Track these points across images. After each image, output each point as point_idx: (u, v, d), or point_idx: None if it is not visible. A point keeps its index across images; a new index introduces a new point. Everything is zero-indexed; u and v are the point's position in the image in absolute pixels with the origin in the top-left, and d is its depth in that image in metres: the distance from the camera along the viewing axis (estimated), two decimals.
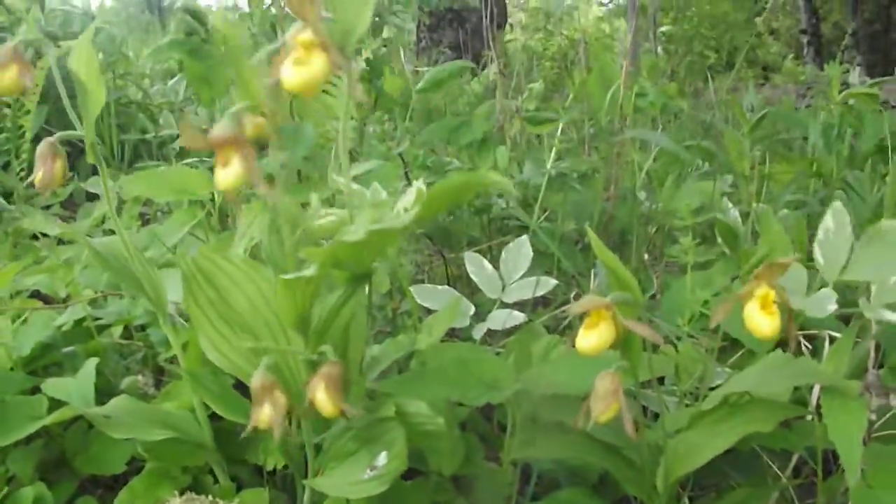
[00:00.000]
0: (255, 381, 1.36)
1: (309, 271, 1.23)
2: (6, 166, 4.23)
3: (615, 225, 2.75)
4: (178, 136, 4.96)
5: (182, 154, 4.95)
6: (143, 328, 2.18)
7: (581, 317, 1.42)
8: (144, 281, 1.66)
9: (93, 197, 4.45)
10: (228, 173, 1.22)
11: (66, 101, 1.57)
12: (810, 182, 3.51)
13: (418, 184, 1.79)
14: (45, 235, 3.88)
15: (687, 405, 2.01)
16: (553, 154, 2.59)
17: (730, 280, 2.52)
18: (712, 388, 2.08)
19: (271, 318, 1.50)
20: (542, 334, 2.11)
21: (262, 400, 1.37)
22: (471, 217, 2.91)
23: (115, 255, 1.67)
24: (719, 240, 2.89)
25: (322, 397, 1.36)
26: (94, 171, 4.91)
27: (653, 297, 2.62)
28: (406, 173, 2.59)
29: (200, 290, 1.49)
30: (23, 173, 4.10)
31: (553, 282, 2.30)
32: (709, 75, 6.42)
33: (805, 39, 21.47)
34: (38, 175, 1.51)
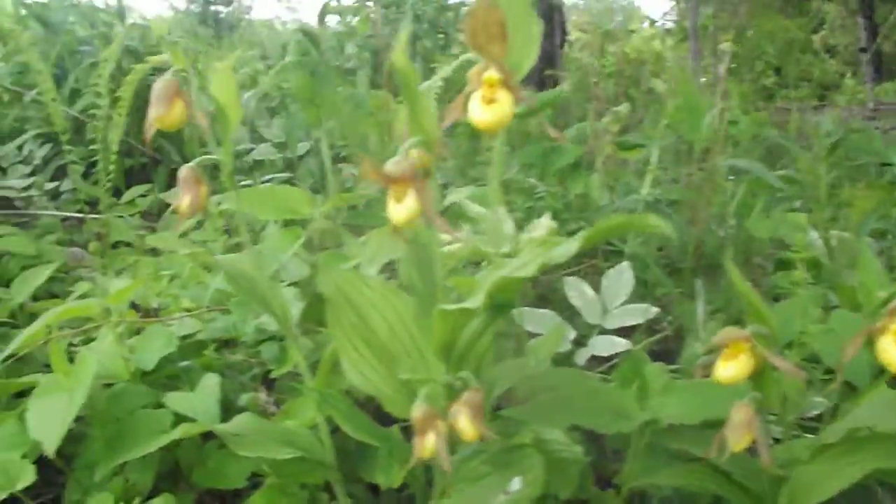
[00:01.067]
0: (418, 412, 1.38)
1: (472, 303, 1.25)
2: (86, 176, 4.32)
3: (706, 251, 2.75)
4: (251, 150, 5.03)
5: (256, 169, 5.02)
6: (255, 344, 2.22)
7: (718, 348, 1.44)
8: (272, 300, 1.70)
9: (169, 207, 4.54)
10: (403, 208, 1.25)
11: (205, 130, 1.60)
12: (893, 210, 3.46)
13: (546, 219, 1.82)
14: (127, 244, 3.97)
15: (795, 436, 2.01)
16: (648, 180, 2.60)
17: (821, 310, 2.51)
18: (813, 418, 2.09)
19: (409, 342, 1.53)
20: (647, 361, 2.13)
21: (425, 430, 1.39)
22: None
23: (243, 274, 1.71)
24: (798, 266, 2.89)
25: (464, 423, 1.39)
26: (171, 182, 5.00)
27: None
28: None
29: (343, 313, 1.53)
30: (108, 184, 4.18)
31: (655, 310, 2.32)
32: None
33: (864, 58, 21.22)
34: (184, 201, 1.53)
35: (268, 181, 4.19)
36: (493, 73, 1.28)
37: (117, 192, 4.54)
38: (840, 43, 23.26)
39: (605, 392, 1.66)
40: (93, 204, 4.22)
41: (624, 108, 3.32)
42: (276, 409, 1.94)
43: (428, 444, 1.39)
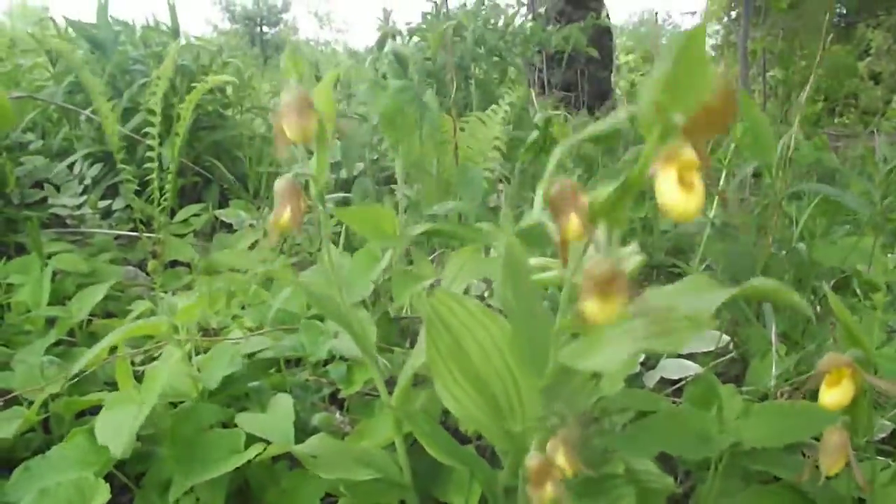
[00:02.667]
0: (534, 463, 1.34)
1: (607, 367, 1.20)
2: (138, 195, 4.35)
3: (771, 276, 2.70)
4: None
5: (308, 188, 5.02)
6: (324, 364, 2.20)
7: (821, 374, 1.43)
8: (352, 320, 1.68)
9: (225, 226, 4.56)
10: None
11: (341, 146, 1.58)
12: None
13: (636, 250, 1.80)
14: (182, 263, 3.98)
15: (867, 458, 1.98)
16: (716, 204, 2.56)
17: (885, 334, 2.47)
18: (882, 441, 2.05)
19: (502, 368, 1.50)
20: (718, 384, 2.10)
21: (542, 480, 1.34)
22: None
23: (324, 292, 1.69)
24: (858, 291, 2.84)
25: (562, 462, 1.35)
26: (224, 202, 5.02)
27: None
28: None
29: (440, 336, 1.49)
30: (165, 202, 4.20)
31: (726, 338, 2.28)
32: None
33: None
34: (284, 214, 1.47)
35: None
36: (692, 156, 1.21)
37: (171, 212, 4.57)
38: (885, 70, 23.04)
39: (685, 417, 1.62)
40: (146, 223, 4.25)
41: None
42: (350, 430, 1.91)
43: (546, 494, 1.35)
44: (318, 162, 1.56)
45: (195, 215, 4.51)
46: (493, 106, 3.75)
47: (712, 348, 2.29)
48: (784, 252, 2.76)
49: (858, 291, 2.86)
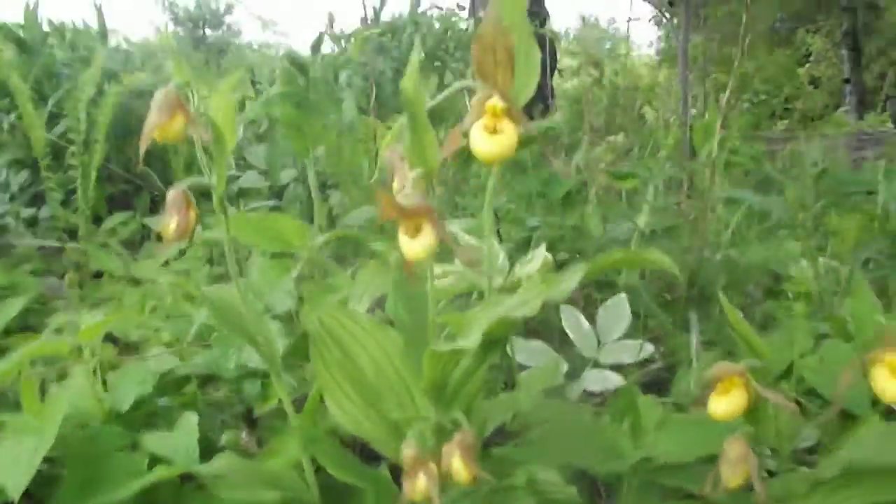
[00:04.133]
0: (408, 453, 1.32)
1: (468, 343, 1.18)
2: (66, 203, 4.24)
3: (699, 281, 2.69)
4: (237, 178, 4.95)
5: (242, 196, 4.94)
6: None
7: (712, 383, 1.40)
8: (257, 334, 1.62)
9: (151, 235, 4.45)
10: (419, 243, 1.19)
11: (199, 152, 1.52)
12: (875, 239, 3.40)
13: (542, 251, 1.77)
14: (108, 275, 3.87)
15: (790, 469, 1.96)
16: (645, 210, 2.54)
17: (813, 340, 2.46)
18: (808, 450, 2.04)
19: (396, 381, 1.46)
20: (640, 395, 2.08)
21: (415, 471, 1.32)
22: None
23: (229, 306, 1.63)
24: (797, 298, 2.84)
25: (457, 464, 1.32)
26: (153, 209, 4.91)
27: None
28: (498, 230, 2.55)
29: (328, 350, 1.45)
30: (88, 211, 4.10)
31: (650, 347, 2.26)
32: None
33: (847, 89, 21.39)
34: (171, 224, 1.44)
35: (254, 209, 4.11)
36: (497, 102, 1.22)
37: (98, 220, 4.46)
38: (824, 75, 23.42)
39: (598, 429, 1.59)
40: (73, 232, 4.14)
41: (619, 137, 3.28)
42: (259, 449, 1.85)
43: (419, 486, 1.33)
44: (216, 169, 1.50)
45: (122, 224, 4.40)
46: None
47: (635, 360, 2.26)
48: (716, 257, 2.75)
49: (791, 296, 2.86)
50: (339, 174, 3.59)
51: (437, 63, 6.15)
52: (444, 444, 1.34)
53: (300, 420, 1.64)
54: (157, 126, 1.38)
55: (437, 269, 1.77)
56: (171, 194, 1.46)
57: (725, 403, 1.40)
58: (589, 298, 2.93)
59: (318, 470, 1.68)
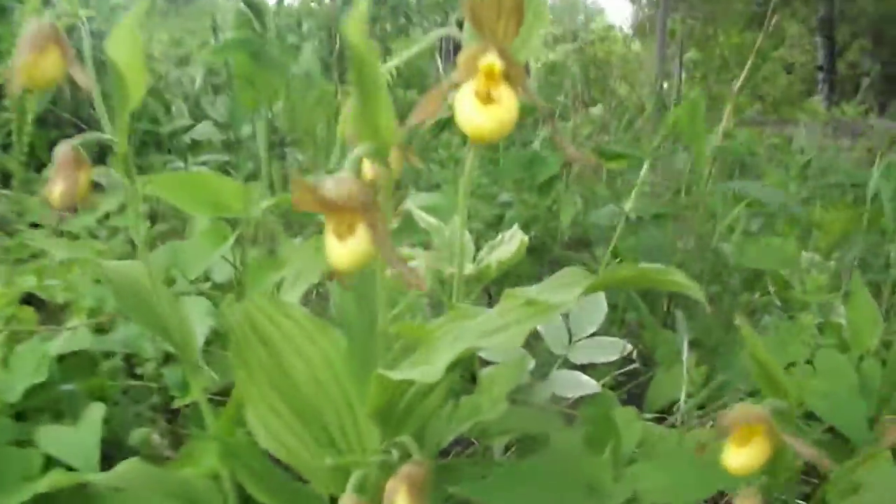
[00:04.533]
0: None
1: (428, 376, 0.91)
2: (6, 147, 3.93)
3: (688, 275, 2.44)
4: (190, 128, 4.67)
5: (194, 149, 4.65)
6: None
7: (729, 429, 1.15)
8: (170, 320, 1.35)
9: (97, 186, 4.14)
10: (350, 247, 0.91)
11: (95, 93, 1.25)
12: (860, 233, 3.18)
13: (517, 231, 1.51)
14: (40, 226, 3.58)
15: None
16: (634, 195, 2.28)
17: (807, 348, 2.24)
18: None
19: (336, 393, 1.19)
20: (616, 405, 1.84)
21: None
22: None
23: (134, 286, 1.36)
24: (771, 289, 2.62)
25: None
26: (101, 159, 4.60)
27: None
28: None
29: (252, 351, 1.17)
30: (23, 157, 3.79)
31: (628, 346, 2.00)
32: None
33: (820, 76, 21.30)
34: (55, 190, 1.19)
35: (202, 164, 3.82)
36: (495, 61, 0.94)
37: (41, 168, 4.15)
38: (798, 61, 23.31)
39: (573, 460, 1.34)
40: (6, 179, 3.83)
41: (598, 109, 3.03)
42: (174, 453, 1.58)
43: None
44: (117, 122, 1.23)
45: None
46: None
47: (613, 358, 2.01)
48: (705, 249, 2.51)
49: (771, 290, 2.64)
50: (296, 132, 3.31)
51: (405, 19, 5.83)
52: (388, 476, 1.08)
53: (221, 424, 1.37)
54: (24, 67, 1.13)
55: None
56: (60, 152, 1.22)
57: (745, 456, 1.15)
58: None
59: None
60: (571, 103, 3.74)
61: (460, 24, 1.10)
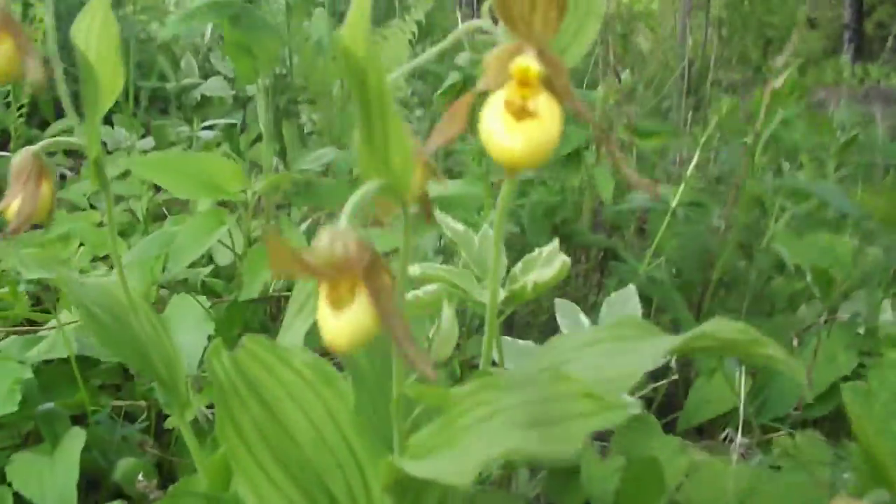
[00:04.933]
0: None
1: (456, 478, 0.71)
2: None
3: (722, 270, 2.24)
4: (198, 85, 4.49)
5: (203, 106, 4.46)
6: None
7: None
8: (153, 349, 1.17)
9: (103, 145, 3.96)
10: (349, 320, 0.72)
11: (60, 85, 1.08)
12: None
13: (556, 251, 1.32)
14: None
15: None
16: (682, 188, 2.07)
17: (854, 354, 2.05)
18: None
19: (346, 458, 1.00)
20: (656, 431, 1.66)
21: None
22: (544, 236, 2.37)
23: (112, 307, 1.18)
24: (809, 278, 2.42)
25: None
26: (107, 118, 4.40)
27: None
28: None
29: (242, 406, 0.97)
30: (21, 116, 3.61)
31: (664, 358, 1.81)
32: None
33: (846, 35, 20.85)
34: (14, 203, 1.01)
35: (208, 128, 3.62)
36: (530, 63, 0.75)
37: (44, 126, 3.97)
38: (823, 17, 22.81)
39: None
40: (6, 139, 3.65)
41: (626, 75, 2.81)
42: (161, 494, 1.39)
43: None
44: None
45: (67, 131, 3.90)
46: (397, 20, 3.23)
47: (650, 368, 1.82)
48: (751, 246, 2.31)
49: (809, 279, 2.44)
50: (309, 91, 3.10)
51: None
52: None
53: (208, 475, 1.19)
54: None
55: (416, 269, 1.31)
56: (16, 162, 1.07)
57: None
58: (588, 279, 2.49)
59: None
60: (600, 65, 3.51)
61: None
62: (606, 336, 0.95)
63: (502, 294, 1.35)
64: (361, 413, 0.99)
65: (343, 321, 0.71)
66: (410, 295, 1.29)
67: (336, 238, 0.71)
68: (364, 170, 0.76)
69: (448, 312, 0.95)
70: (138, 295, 1.21)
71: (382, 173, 0.75)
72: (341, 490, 0.99)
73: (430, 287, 1.31)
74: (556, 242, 1.43)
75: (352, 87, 0.72)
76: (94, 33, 1.09)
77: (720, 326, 0.84)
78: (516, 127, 0.73)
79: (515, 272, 1.41)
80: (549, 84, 0.75)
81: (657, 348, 0.84)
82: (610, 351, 0.91)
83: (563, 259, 1.33)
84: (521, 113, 0.73)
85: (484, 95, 0.77)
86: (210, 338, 1.61)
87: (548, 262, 1.37)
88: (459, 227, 1.43)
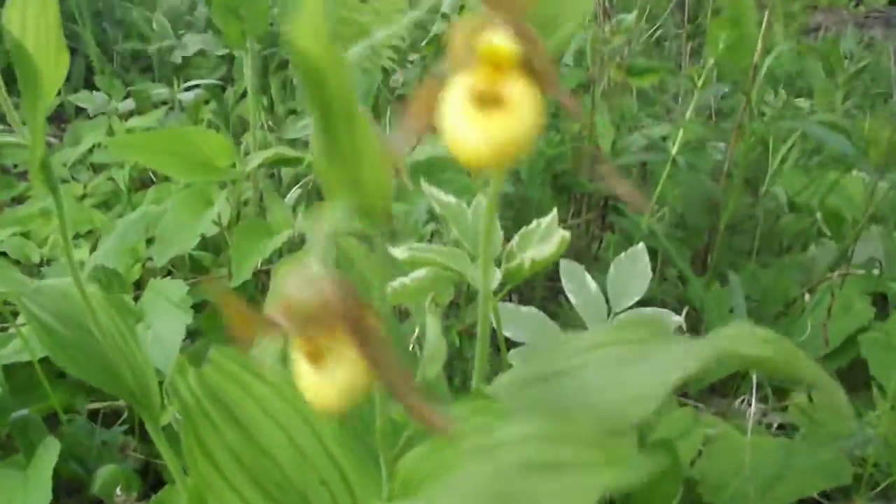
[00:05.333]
0: None
1: None
2: None
3: (729, 222, 2.15)
4: (181, 45, 4.37)
5: (187, 65, 4.34)
6: None
7: None
8: (119, 358, 1.08)
9: (82, 112, 3.85)
10: (332, 378, 0.62)
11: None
12: None
13: (555, 224, 1.22)
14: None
15: None
16: (681, 136, 1.96)
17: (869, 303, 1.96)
18: None
19: (329, 471, 0.91)
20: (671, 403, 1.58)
21: None
22: (543, 189, 2.26)
23: (72, 317, 1.08)
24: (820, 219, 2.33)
25: None
26: (88, 80, 4.28)
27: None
28: None
29: (212, 430, 0.87)
30: None
31: (677, 318, 1.71)
32: None
33: None
34: None
35: (192, 87, 3.51)
36: (503, 41, 0.62)
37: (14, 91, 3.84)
38: None
39: None
40: None
41: (630, 17, 2.68)
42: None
43: None
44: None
45: None
46: None
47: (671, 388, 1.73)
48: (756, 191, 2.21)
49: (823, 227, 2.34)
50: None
51: None
52: None
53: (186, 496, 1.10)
54: None
55: (403, 252, 1.21)
56: None
57: None
58: (589, 230, 2.39)
59: None
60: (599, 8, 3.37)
61: None
62: (616, 338, 0.85)
63: (498, 275, 1.25)
64: (345, 426, 0.90)
65: (328, 379, 0.61)
66: (396, 282, 1.19)
67: (307, 284, 0.60)
68: (327, 188, 0.65)
69: (434, 326, 0.85)
70: (101, 298, 1.11)
71: (351, 192, 0.64)
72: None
73: (419, 273, 1.21)
74: (554, 213, 1.32)
75: (308, 92, 0.60)
76: (31, 17, 0.98)
77: (743, 339, 0.74)
78: (482, 121, 0.60)
79: (512, 248, 1.31)
80: (525, 67, 0.62)
81: (676, 364, 0.73)
82: (623, 358, 0.82)
83: (561, 234, 1.23)
84: (489, 104, 0.61)
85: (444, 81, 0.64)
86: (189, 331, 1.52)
87: (546, 236, 1.27)
88: (450, 198, 1.33)
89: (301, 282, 0.60)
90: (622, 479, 0.59)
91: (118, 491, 1.27)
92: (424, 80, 0.67)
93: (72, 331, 1.06)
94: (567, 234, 1.22)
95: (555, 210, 1.33)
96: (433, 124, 0.65)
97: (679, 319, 1.73)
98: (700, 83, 1.97)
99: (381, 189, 0.64)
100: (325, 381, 0.61)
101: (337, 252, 0.86)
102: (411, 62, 2.86)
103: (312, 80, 0.59)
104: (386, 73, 2.63)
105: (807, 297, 1.94)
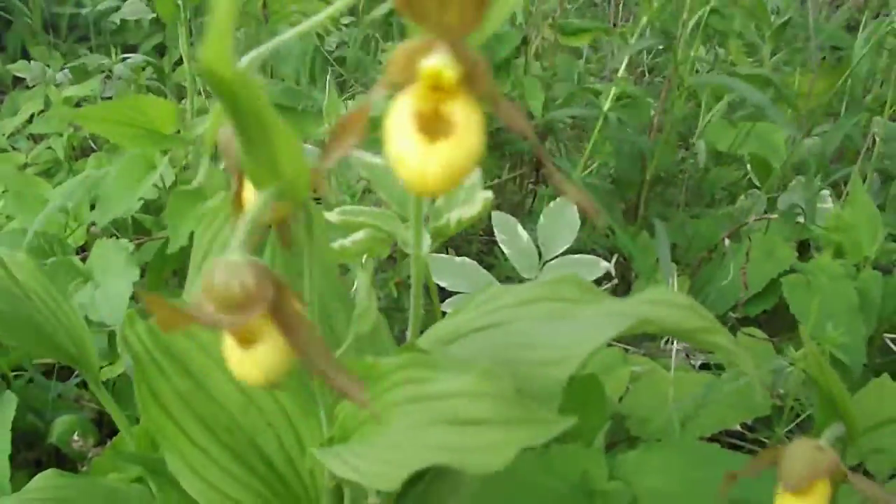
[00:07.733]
0: None
1: (389, 483, 0.68)
2: None
3: (656, 171, 2.23)
4: (116, 9, 4.33)
5: (122, 31, 4.32)
6: None
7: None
8: (55, 325, 1.12)
9: (20, 82, 3.83)
10: (258, 358, 0.67)
11: None
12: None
13: (478, 186, 1.29)
14: None
15: None
16: (613, 91, 2.03)
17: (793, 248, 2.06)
18: None
19: (275, 414, 0.98)
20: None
21: None
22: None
23: (8, 287, 1.12)
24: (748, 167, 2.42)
25: None
26: (26, 50, 4.24)
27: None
28: None
29: (163, 378, 0.94)
30: None
31: (605, 264, 1.79)
32: None
33: None
34: None
35: (128, 57, 3.49)
36: (442, 64, 0.63)
37: None
38: None
39: (560, 456, 1.15)
40: None
41: None
42: (99, 449, 1.37)
43: None
44: None
45: None
46: None
47: (591, 279, 1.81)
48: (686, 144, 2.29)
49: (753, 178, 2.44)
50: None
51: None
52: None
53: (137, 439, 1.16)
54: None
55: (335, 216, 1.27)
56: None
57: None
58: (521, 184, 2.46)
59: None
60: None
61: None
62: (546, 294, 0.92)
63: (427, 237, 1.31)
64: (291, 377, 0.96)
65: (254, 359, 0.67)
66: (336, 244, 1.25)
67: (231, 273, 0.64)
68: (252, 179, 0.70)
69: (364, 281, 0.90)
70: (31, 266, 1.15)
71: (272, 182, 0.69)
72: (273, 448, 0.98)
73: (358, 234, 1.27)
74: (478, 174, 1.39)
75: (223, 107, 0.65)
76: None
77: (662, 304, 0.81)
78: (428, 149, 0.62)
79: (439, 207, 1.37)
80: (467, 85, 0.65)
81: (599, 328, 0.80)
82: (550, 313, 0.88)
83: (485, 195, 1.30)
84: (433, 128, 0.63)
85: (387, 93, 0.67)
86: (135, 284, 1.56)
87: (470, 196, 1.33)
88: (377, 159, 1.38)
89: (226, 273, 0.64)
90: (538, 436, 0.66)
91: (75, 436, 1.33)
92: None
93: (5, 303, 1.11)
94: (490, 195, 1.29)
95: (478, 171, 1.39)
96: (359, 140, 0.69)
97: (608, 265, 1.81)
98: (633, 41, 2.04)
99: (301, 175, 0.69)
100: (251, 360, 0.67)
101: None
102: (346, 25, 2.90)
103: (224, 97, 0.64)
104: (321, 37, 2.66)
105: (727, 242, 2.02)
